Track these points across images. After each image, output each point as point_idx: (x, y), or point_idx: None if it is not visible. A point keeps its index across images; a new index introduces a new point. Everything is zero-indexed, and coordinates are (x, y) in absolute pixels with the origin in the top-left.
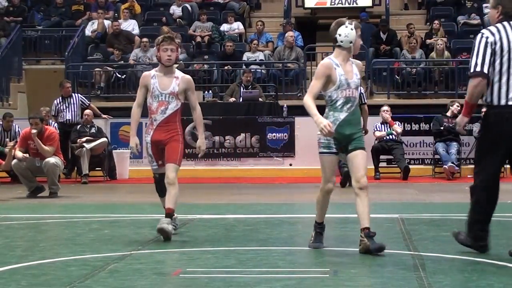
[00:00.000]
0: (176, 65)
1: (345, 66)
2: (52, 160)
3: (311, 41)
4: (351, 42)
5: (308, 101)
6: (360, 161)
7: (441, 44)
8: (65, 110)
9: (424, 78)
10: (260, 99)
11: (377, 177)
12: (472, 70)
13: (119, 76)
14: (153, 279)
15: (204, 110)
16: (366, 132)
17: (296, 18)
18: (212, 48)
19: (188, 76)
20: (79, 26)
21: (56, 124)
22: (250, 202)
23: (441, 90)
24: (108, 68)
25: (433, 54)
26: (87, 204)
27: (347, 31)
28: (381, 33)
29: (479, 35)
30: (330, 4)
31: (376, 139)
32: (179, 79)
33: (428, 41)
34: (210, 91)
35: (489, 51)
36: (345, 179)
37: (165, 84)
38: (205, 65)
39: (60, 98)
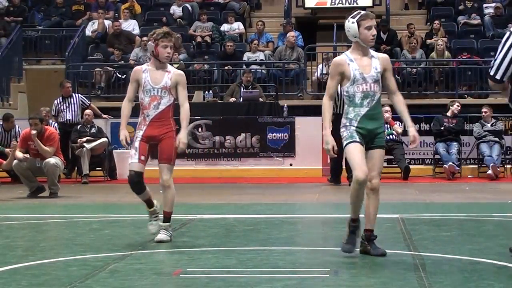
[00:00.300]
0: (176, 65)
1: (361, 61)
2: (52, 160)
3: (311, 41)
4: (355, 37)
5: (325, 108)
6: (375, 161)
7: (441, 44)
8: (65, 110)
9: (425, 78)
10: (260, 99)
11: None
12: (492, 73)
13: (120, 76)
14: (153, 279)
15: (204, 110)
16: None
17: (296, 18)
18: (212, 48)
19: (181, 71)
20: (80, 26)
21: (56, 124)
22: (250, 202)
23: (442, 90)
24: (109, 68)
25: (433, 54)
26: (87, 204)
27: (348, 26)
28: (381, 33)
29: (508, 33)
30: (330, 4)
31: None
32: (171, 73)
33: (428, 41)
34: (211, 91)
35: None
36: (336, 176)
37: (157, 78)
38: (206, 65)
39: (61, 98)
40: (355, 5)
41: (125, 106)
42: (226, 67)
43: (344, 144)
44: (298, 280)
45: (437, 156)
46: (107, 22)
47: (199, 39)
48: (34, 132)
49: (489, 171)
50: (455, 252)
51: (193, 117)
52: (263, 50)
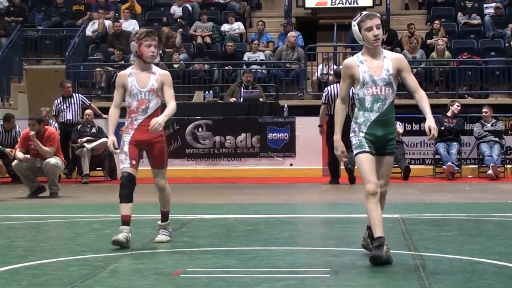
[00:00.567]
0: (177, 65)
1: (372, 62)
2: (52, 160)
3: (311, 41)
4: (360, 40)
5: (337, 111)
6: (384, 169)
7: (441, 44)
8: (65, 110)
9: (425, 78)
10: (260, 99)
11: None
12: None
13: None
14: (153, 279)
15: (204, 110)
16: None
17: (296, 18)
18: (212, 48)
19: (166, 71)
20: (80, 26)
21: (56, 124)
22: (250, 202)
23: (442, 90)
24: (109, 68)
25: (433, 54)
26: (87, 204)
27: (352, 29)
28: None
29: None
30: (331, 4)
31: None
32: (156, 75)
33: (428, 41)
34: (211, 91)
35: None
36: (351, 175)
37: (143, 81)
38: (206, 65)
39: (61, 98)
40: (355, 5)
41: (113, 114)
42: (227, 67)
43: (354, 153)
44: (298, 280)
45: (437, 156)
46: (108, 22)
47: (199, 39)
48: (32, 133)
49: (489, 171)
50: (456, 252)
51: (194, 117)
52: (263, 50)
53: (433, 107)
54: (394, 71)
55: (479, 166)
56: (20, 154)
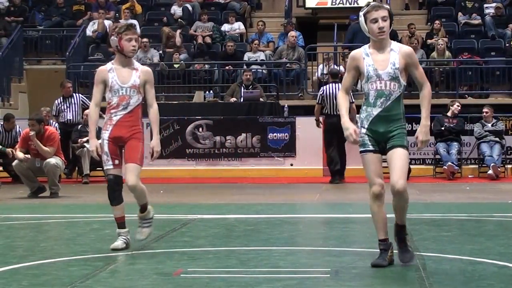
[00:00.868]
0: (177, 65)
1: (378, 55)
2: (52, 160)
3: (312, 41)
4: (367, 32)
5: (340, 100)
6: (396, 161)
7: (442, 44)
8: (66, 110)
9: None
10: (261, 99)
11: None
12: None
13: None
14: (154, 279)
15: (205, 110)
16: None
17: (297, 18)
18: (213, 48)
19: (148, 68)
20: (80, 26)
21: (57, 124)
22: (251, 202)
23: (442, 90)
24: None
25: (434, 54)
26: (88, 204)
27: (359, 21)
28: None
29: None
30: (331, 4)
31: None
32: (139, 71)
33: (429, 41)
34: (211, 91)
35: None
36: (333, 176)
37: (124, 77)
38: (206, 65)
39: (61, 98)
40: (355, 5)
41: (93, 112)
42: (227, 67)
43: (360, 151)
44: (299, 280)
45: (437, 156)
46: (108, 22)
47: (199, 39)
48: (32, 133)
49: (490, 171)
50: (456, 252)
51: (194, 117)
52: (263, 50)
53: (433, 107)
54: (401, 65)
55: (479, 166)
56: (20, 154)
